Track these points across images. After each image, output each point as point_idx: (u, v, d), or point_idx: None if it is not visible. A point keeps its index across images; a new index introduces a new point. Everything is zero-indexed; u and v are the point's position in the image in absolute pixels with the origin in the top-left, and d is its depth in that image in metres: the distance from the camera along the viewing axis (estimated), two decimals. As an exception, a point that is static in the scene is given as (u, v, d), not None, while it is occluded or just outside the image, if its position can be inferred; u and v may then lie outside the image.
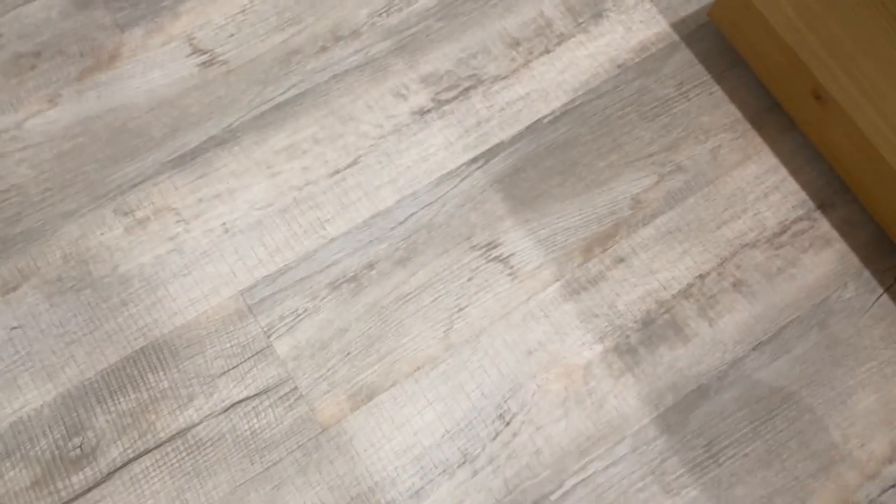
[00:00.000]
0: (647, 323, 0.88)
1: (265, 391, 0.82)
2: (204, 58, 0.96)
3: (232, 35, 0.97)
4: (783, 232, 0.94)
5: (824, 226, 0.95)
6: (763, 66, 0.97)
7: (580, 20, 1.01)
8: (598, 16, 1.02)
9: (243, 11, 0.99)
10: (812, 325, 0.90)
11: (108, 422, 0.80)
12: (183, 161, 0.91)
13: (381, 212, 0.91)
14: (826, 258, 0.93)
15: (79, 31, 0.96)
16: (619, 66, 1.00)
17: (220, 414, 0.81)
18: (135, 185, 0.90)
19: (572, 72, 0.99)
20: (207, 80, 0.95)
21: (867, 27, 0.75)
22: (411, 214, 0.91)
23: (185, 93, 0.94)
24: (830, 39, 0.80)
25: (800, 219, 0.95)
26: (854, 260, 0.93)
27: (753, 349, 0.88)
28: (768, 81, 0.98)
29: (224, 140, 0.92)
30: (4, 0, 0.96)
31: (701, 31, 1.02)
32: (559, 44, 1.00)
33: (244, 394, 0.82)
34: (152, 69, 0.95)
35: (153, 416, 0.81)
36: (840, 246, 0.93)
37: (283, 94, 0.95)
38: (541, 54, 0.99)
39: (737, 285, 0.91)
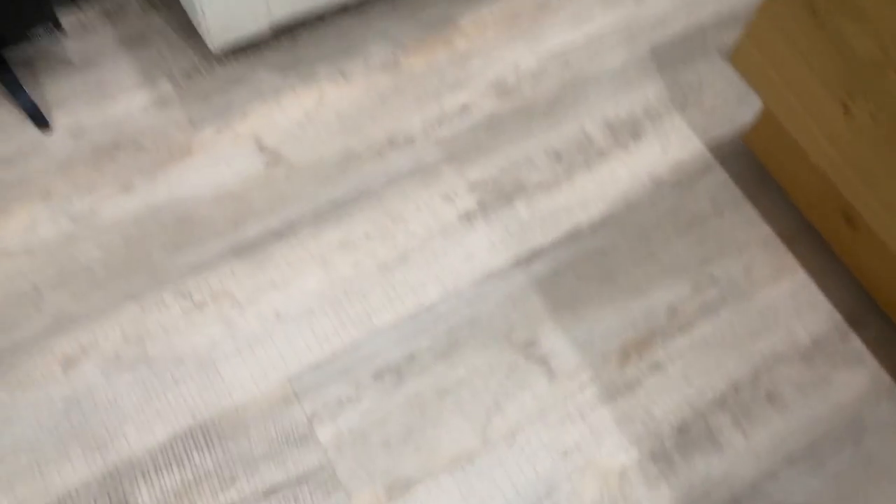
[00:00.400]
0: (682, 431, 0.90)
1: (305, 477, 0.84)
2: (269, 156, 1.03)
3: (296, 137, 1.05)
4: (816, 348, 0.96)
5: (856, 343, 0.97)
6: (795, 189, 1.02)
7: (619, 138, 1.08)
8: (636, 135, 1.08)
9: (307, 115, 1.07)
10: (846, 441, 0.90)
11: (151, 498, 0.82)
12: (242, 250, 0.97)
13: (426, 306, 0.95)
14: (859, 375, 0.94)
15: (156, 127, 1.04)
16: (656, 182, 1.05)
17: (260, 497, 0.83)
18: (195, 271, 0.95)
19: (611, 185, 1.04)
20: (271, 177, 1.02)
21: (886, 143, 0.80)
22: (452, 310, 0.95)
23: (249, 187, 1.01)
24: (861, 166, 0.84)
25: (832, 336, 0.97)
26: (886, 378, 0.94)
27: (788, 463, 0.89)
28: (800, 203, 1.03)
29: (282, 233, 0.98)
30: (93, 96, 1.05)
31: (735, 153, 1.08)
32: (599, 158, 1.06)
33: (284, 478, 0.84)
34: (220, 164, 1.02)
35: (195, 496, 0.82)
36: (872, 364, 0.95)
37: (340, 192, 1.01)
38: (582, 167, 1.05)
39: (771, 398, 0.92)
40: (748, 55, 0.92)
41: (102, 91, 1.06)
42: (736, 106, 1.11)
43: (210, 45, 1.04)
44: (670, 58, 1.14)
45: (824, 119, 0.86)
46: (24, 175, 1.00)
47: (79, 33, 1.10)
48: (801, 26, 0.83)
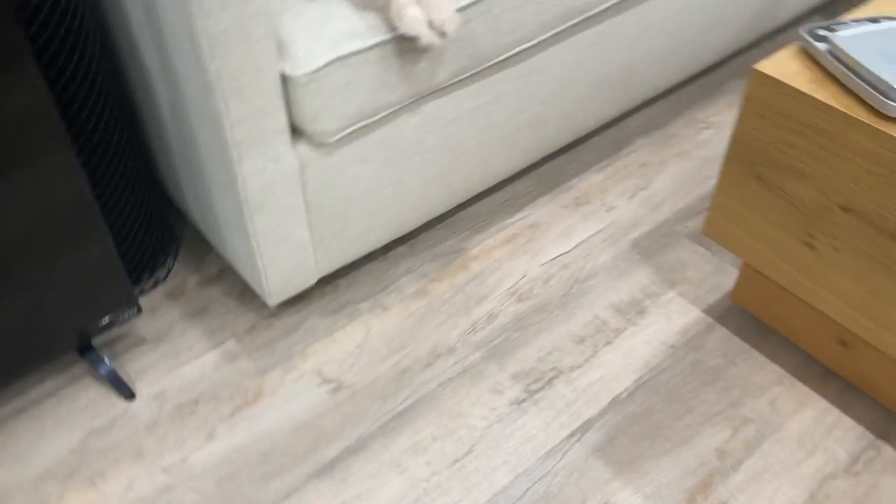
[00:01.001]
0: (765, 558, 0.95)
1: None
2: (332, 385, 1.16)
3: (353, 365, 1.19)
4: (855, 461, 1.05)
5: (890, 452, 1.06)
6: (788, 328, 1.18)
7: (628, 316, 1.24)
8: (641, 312, 1.25)
9: (359, 346, 1.21)
10: (916, 539, 0.96)
11: None
12: (324, 471, 1.05)
13: (500, 490, 1.02)
14: (903, 478, 1.03)
15: (228, 379, 1.17)
16: (671, 347, 1.20)
17: None
18: (285, 497, 1.02)
19: (634, 356, 1.19)
20: (337, 402, 1.13)
21: (867, 272, 0.98)
22: (527, 489, 1.03)
23: (319, 415, 1.12)
24: (838, 290, 1.02)
25: (865, 449, 1.07)
26: (929, 475, 1.03)
27: (872, 570, 0.94)
28: (797, 340, 1.18)
29: (357, 448, 1.07)
30: (168, 364, 1.19)
31: (729, 311, 1.24)
32: (617, 336, 1.22)
33: None
34: (290, 400, 1.14)
35: None
36: (911, 465, 1.04)
37: (400, 404, 1.13)
38: (605, 345, 1.20)
39: (834, 513, 0.99)
40: (717, 225, 1.13)
41: (176, 359, 1.20)
42: (716, 274, 1.30)
43: (269, 303, 1.21)
44: (649, 249, 1.35)
45: (795, 259, 1.05)
46: (115, 441, 1.09)
47: (148, 314, 1.27)
48: (753, 191, 1.05)
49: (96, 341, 1.22)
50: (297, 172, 1.09)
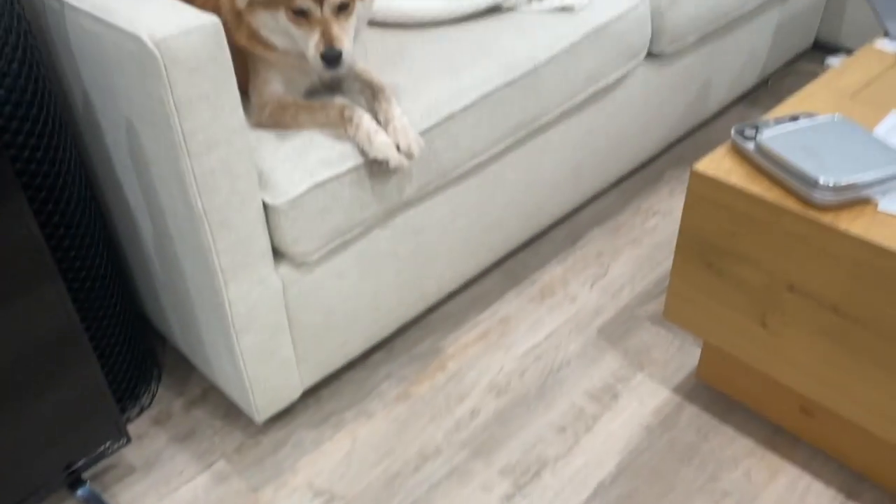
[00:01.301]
0: None
1: None
2: (325, 497, 1.18)
3: (343, 475, 1.21)
4: (832, 523, 1.11)
5: (861, 511, 1.13)
6: (754, 401, 1.25)
7: (603, 401, 1.31)
8: (614, 396, 1.32)
9: (347, 455, 1.24)
10: None
11: None
12: (325, 585, 1.06)
13: (501, 588, 1.05)
14: (877, 535, 1.09)
15: (222, 500, 1.18)
16: (646, 428, 1.26)
17: None
18: None
19: (613, 440, 1.24)
20: (332, 514, 1.15)
21: (818, 344, 1.06)
22: (527, 584, 1.05)
23: (315, 528, 1.13)
24: (795, 361, 1.10)
25: (839, 510, 1.13)
26: (899, 530, 1.09)
27: None
28: (763, 411, 1.25)
29: (356, 559, 1.09)
30: (160, 492, 1.19)
31: (696, 388, 1.32)
32: (595, 421, 1.27)
33: None
34: (285, 516, 1.15)
35: None
36: (882, 522, 1.10)
37: (395, 509, 1.15)
38: (585, 432, 1.25)
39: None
40: (675, 309, 1.22)
41: (168, 485, 1.21)
42: (680, 353, 1.38)
43: (257, 420, 1.23)
44: (615, 334, 1.43)
45: (751, 336, 1.13)
46: (111, 576, 1.08)
47: (135, 441, 1.28)
48: (703, 276, 1.14)
49: (85, 474, 1.22)
50: (280, 292, 1.14)
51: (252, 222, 1.05)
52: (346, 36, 1.07)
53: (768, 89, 2.14)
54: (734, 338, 1.16)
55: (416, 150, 1.13)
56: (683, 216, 1.13)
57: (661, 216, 1.71)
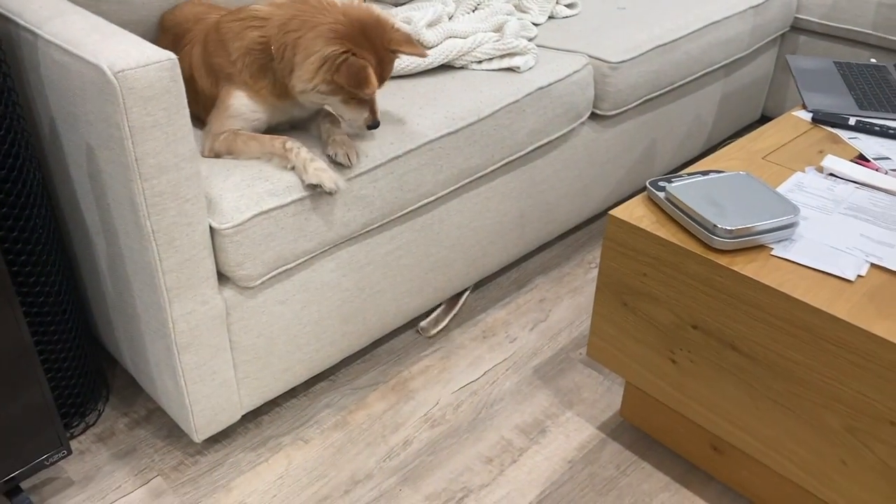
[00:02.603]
0: None
1: None
2: (254, 515, 1.22)
3: (274, 496, 1.25)
4: (737, 557, 1.16)
5: (766, 546, 1.18)
6: (670, 438, 1.32)
7: (531, 436, 1.36)
8: (542, 431, 1.38)
9: (280, 477, 1.29)
10: None
11: None
12: None
13: None
14: (777, 568, 1.14)
15: (154, 515, 1.22)
16: (569, 462, 1.32)
17: None
18: None
19: (537, 472, 1.30)
20: (259, 531, 1.19)
21: (720, 380, 1.14)
22: None
23: (242, 544, 1.17)
24: (702, 398, 1.17)
25: (745, 545, 1.18)
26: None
27: None
28: (678, 448, 1.31)
29: (277, 573, 1.13)
30: (105, 499, 1.23)
31: (620, 426, 1.38)
32: (521, 454, 1.33)
33: None
34: (214, 531, 1.19)
35: None
36: (783, 556, 1.15)
37: (320, 528, 1.19)
38: (510, 464, 1.31)
39: None
40: (597, 347, 1.29)
41: (104, 499, 1.25)
42: (607, 394, 1.45)
43: (195, 440, 1.28)
44: (549, 374, 1.50)
45: (662, 373, 1.20)
46: (38, 581, 1.11)
47: (77, 456, 1.32)
48: (620, 314, 1.22)
49: (24, 483, 1.25)
50: (222, 314, 1.21)
51: (198, 244, 1.13)
52: None
53: (716, 157, 2.26)
54: (648, 375, 1.23)
55: (353, 160, 1.24)
56: (602, 258, 1.22)
57: (604, 268, 1.80)
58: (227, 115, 1.25)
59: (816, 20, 2.13)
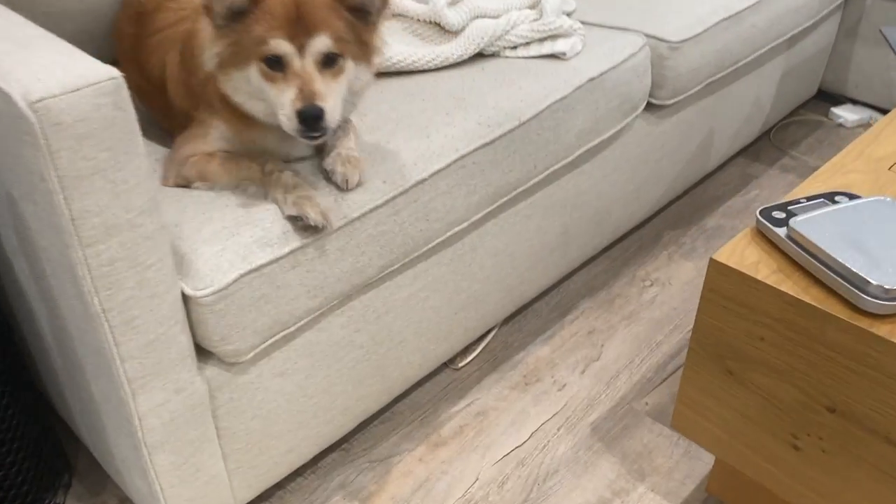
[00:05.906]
0: None
1: None
2: None
3: None
4: None
5: None
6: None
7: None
8: (611, 513, 1.11)
9: (289, 592, 1.02)
10: None
11: None
12: None
13: None
14: None
15: None
16: (649, 557, 1.05)
17: None
18: None
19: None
20: None
21: (863, 479, 0.87)
22: None
23: None
24: (826, 492, 0.90)
25: None
26: None
27: None
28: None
29: None
30: None
31: (706, 501, 1.12)
32: (588, 549, 1.06)
33: None
34: None
35: None
36: None
37: None
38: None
39: None
40: (686, 418, 1.02)
41: None
42: (687, 459, 1.18)
43: (178, 547, 1.01)
44: (611, 434, 1.23)
45: (778, 459, 0.93)
46: None
47: (31, 572, 1.05)
48: (724, 385, 0.95)
49: None
50: (205, 400, 0.93)
51: (166, 320, 0.84)
52: (331, 95, 0.87)
53: (770, 141, 1.98)
54: (755, 458, 0.96)
55: (353, 184, 0.95)
56: (699, 312, 0.94)
57: (660, 286, 1.52)
58: (203, 140, 0.96)
59: (893, -21, 1.82)
